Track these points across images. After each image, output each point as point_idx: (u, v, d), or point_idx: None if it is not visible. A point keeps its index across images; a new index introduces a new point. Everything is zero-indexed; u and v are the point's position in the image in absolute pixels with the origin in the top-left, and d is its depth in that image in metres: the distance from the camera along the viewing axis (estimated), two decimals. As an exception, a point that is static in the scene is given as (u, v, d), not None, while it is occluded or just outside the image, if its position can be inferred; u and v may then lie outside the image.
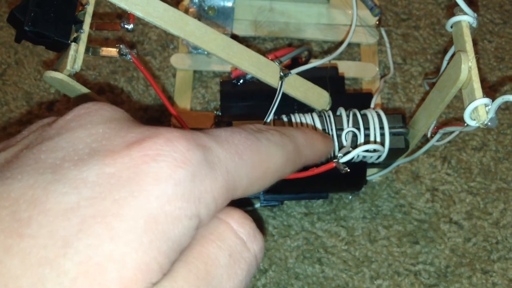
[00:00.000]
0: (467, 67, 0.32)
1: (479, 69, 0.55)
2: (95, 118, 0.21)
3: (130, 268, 0.17)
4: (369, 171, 0.50)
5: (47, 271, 0.17)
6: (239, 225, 0.21)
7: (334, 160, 0.37)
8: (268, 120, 0.40)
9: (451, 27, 0.35)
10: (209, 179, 0.20)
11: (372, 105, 0.46)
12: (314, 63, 0.45)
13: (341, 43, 0.52)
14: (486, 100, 0.31)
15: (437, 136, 0.43)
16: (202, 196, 0.19)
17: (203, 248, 0.20)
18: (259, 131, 0.24)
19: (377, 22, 0.56)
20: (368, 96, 0.47)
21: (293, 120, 0.42)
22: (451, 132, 0.49)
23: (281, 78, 0.41)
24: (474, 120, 0.32)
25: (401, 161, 0.48)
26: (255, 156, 0.22)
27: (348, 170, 0.36)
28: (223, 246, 0.20)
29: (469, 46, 0.32)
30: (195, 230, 0.20)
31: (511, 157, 0.53)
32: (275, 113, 0.42)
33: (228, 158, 0.21)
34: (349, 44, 0.56)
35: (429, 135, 0.45)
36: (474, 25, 0.34)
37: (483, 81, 0.55)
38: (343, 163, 0.37)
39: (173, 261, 0.19)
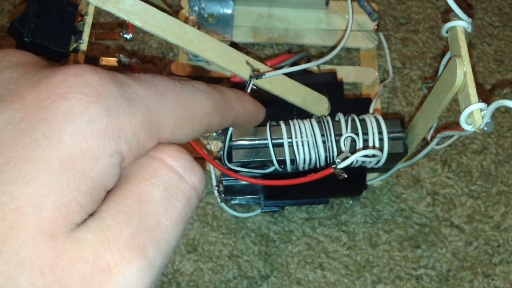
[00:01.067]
0: (462, 72, 0.32)
1: (479, 72, 0.56)
2: (1, 64, 0.20)
3: (49, 210, 0.17)
4: (370, 176, 0.50)
5: None
6: (174, 159, 0.21)
7: (332, 166, 0.37)
8: (265, 127, 0.40)
9: (447, 32, 0.35)
10: (127, 114, 0.19)
11: (371, 110, 0.46)
12: (303, 65, 0.45)
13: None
14: (482, 105, 0.31)
15: (436, 140, 0.43)
16: (121, 132, 0.19)
17: (135, 186, 0.20)
18: (184, 79, 0.24)
19: (375, 27, 0.56)
20: (367, 101, 0.47)
21: (291, 126, 0.42)
22: (451, 136, 0.49)
23: (251, 77, 0.41)
24: (470, 124, 0.32)
25: (401, 165, 0.48)
26: (179, 97, 0.22)
27: (346, 176, 0.37)
28: (157, 182, 0.20)
29: (464, 51, 0.33)
30: (118, 167, 0.19)
31: (512, 160, 0.53)
32: (274, 119, 0.42)
33: (149, 96, 0.21)
34: (349, 49, 0.57)
35: (429, 138, 0.45)
36: (469, 30, 0.34)
37: (482, 84, 0.55)
38: (341, 168, 0.37)
39: (98, 200, 0.19)
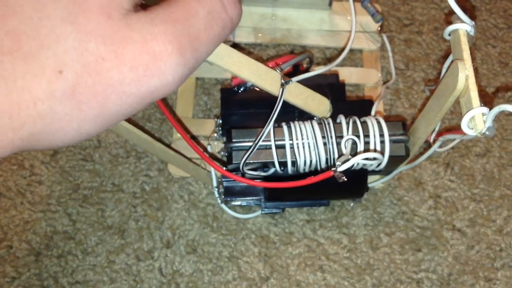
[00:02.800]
0: (464, 76, 0.31)
1: (483, 74, 0.55)
2: None
3: None
4: (371, 178, 0.50)
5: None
6: None
7: (332, 169, 0.37)
8: (267, 130, 0.40)
9: (449, 35, 0.34)
10: None
11: (372, 112, 0.46)
12: (316, 71, 0.45)
13: (343, 49, 0.52)
14: (484, 109, 0.31)
15: (438, 143, 0.43)
16: None
17: (186, 2, 0.25)
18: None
19: (379, 28, 0.56)
20: (369, 103, 0.47)
21: (292, 128, 0.41)
22: (454, 139, 0.48)
23: (282, 85, 0.41)
24: (472, 129, 0.31)
25: (403, 167, 0.47)
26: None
27: (345, 179, 0.36)
28: (205, 4, 0.25)
29: (466, 54, 0.32)
30: None
31: (515, 163, 0.52)
32: (275, 121, 0.42)
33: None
34: (351, 50, 0.56)
35: (431, 140, 0.44)
36: (472, 33, 0.33)
37: (486, 86, 0.54)
38: (342, 171, 0.37)
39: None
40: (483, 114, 0.31)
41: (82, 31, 0.22)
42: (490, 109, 0.31)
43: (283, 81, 0.42)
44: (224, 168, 0.41)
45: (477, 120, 0.31)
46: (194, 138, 0.53)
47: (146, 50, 0.23)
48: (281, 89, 0.42)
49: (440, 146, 0.49)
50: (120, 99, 0.23)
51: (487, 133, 0.31)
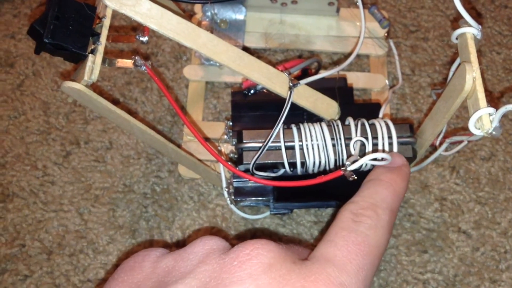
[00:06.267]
0: (472, 77, 0.32)
1: (488, 80, 0.56)
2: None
3: None
4: (378, 181, 0.51)
5: None
6: None
7: (342, 168, 0.38)
8: (277, 130, 0.41)
9: (456, 38, 0.35)
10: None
11: (380, 115, 0.47)
12: (323, 73, 0.46)
13: (350, 54, 0.53)
14: (490, 110, 0.32)
15: (444, 146, 0.43)
16: None
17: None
18: (357, 221, 0.34)
19: (385, 34, 0.57)
20: (377, 106, 0.48)
21: (302, 129, 0.42)
22: (460, 142, 0.49)
23: (290, 88, 0.42)
24: (479, 129, 0.32)
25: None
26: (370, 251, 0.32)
27: (356, 177, 0.37)
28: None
29: (473, 57, 0.33)
30: None
31: (520, 167, 0.53)
32: (284, 123, 0.43)
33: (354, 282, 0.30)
34: (359, 56, 0.58)
35: (437, 143, 0.45)
36: (479, 36, 0.34)
37: (491, 92, 0.55)
38: (351, 171, 0.38)
39: None
40: (490, 115, 0.32)
41: None
42: (496, 110, 0.32)
43: (291, 84, 0.43)
44: (236, 168, 0.42)
45: (484, 120, 0.32)
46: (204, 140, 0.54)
47: None
48: (289, 92, 0.43)
49: (446, 150, 0.50)
50: None
51: (493, 133, 0.32)
